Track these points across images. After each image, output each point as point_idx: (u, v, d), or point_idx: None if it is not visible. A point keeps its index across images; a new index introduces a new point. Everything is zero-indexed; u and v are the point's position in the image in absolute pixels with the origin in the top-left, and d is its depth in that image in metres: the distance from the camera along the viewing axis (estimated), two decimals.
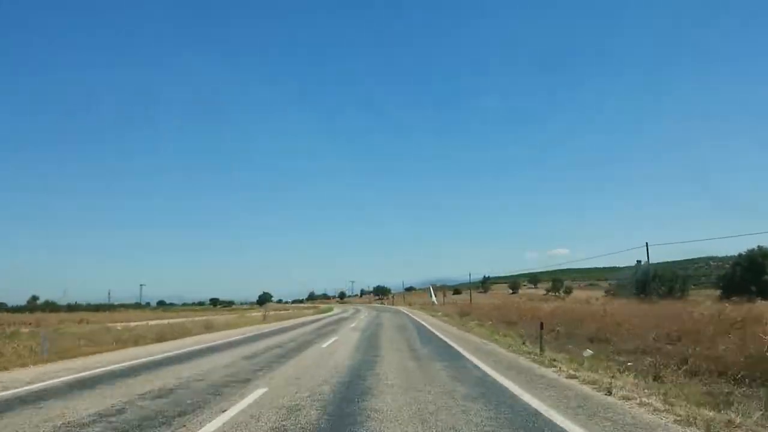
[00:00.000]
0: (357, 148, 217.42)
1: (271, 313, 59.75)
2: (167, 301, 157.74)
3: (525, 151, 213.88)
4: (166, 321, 32.01)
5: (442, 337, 17.19)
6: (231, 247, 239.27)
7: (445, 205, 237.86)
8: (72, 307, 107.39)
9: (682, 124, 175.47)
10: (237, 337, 18.34)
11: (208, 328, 23.27)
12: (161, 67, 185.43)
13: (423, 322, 28.01)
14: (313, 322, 33.38)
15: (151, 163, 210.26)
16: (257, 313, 53.69)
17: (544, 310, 24.47)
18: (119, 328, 23.64)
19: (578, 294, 74.05)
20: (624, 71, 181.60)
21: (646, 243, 43.63)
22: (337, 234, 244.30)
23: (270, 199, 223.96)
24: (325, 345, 14.25)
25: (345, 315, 46.18)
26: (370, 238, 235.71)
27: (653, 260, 44.75)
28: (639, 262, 48.87)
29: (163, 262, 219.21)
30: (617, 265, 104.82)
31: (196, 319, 37.66)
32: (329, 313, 55.84)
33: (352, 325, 26.36)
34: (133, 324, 30.31)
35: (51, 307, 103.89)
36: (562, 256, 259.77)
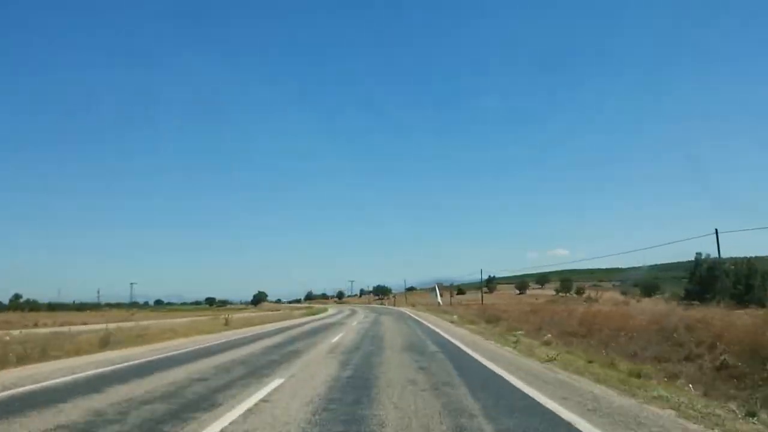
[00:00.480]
0: (357, 148, 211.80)
1: (253, 315, 51.34)
2: (165, 301, 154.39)
3: (525, 151, 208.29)
4: (103, 325, 23.90)
5: (525, 390, 7.45)
6: (231, 247, 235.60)
7: (445, 205, 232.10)
8: (53, 306, 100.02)
9: (682, 124, 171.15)
10: (101, 370, 9.56)
11: (104, 345, 14.56)
12: (161, 67, 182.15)
13: (445, 335, 18.93)
14: (288, 329, 24.72)
15: (151, 163, 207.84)
16: (240, 315, 46.14)
17: (637, 320, 15.60)
18: None
19: (606, 295, 64.81)
20: (624, 71, 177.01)
21: (716, 230, 34.51)
22: (337, 234, 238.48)
23: (270, 199, 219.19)
24: (225, 423, 5.31)
25: (335, 319, 37.42)
26: (370, 238, 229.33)
27: (661, 260, 36.22)
28: (699, 254, 40.10)
29: (163, 262, 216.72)
30: (620, 266, 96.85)
31: (143, 323, 29.77)
32: (319, 316, 47.66)
33: (335, 339, 17.40)
34: (39, 330, 23.71)
35: (31, 306, 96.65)
36: (563, 256, 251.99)
